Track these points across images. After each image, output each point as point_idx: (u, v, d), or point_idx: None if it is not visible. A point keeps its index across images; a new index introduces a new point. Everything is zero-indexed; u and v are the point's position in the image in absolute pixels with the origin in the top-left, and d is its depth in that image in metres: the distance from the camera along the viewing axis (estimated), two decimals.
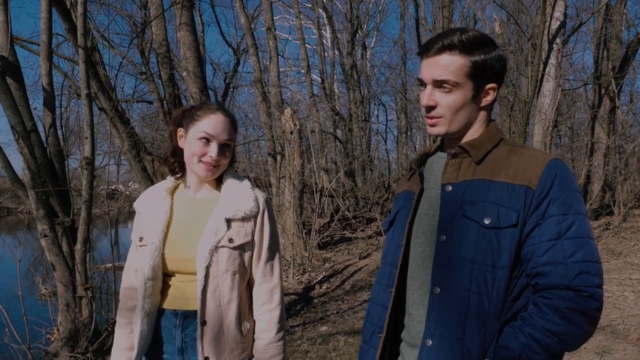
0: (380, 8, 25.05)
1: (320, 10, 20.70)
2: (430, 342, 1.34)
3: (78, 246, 4.29)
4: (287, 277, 8.21)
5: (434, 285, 1.36)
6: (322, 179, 12.02)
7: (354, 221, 12.18)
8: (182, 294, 1.77)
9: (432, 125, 1.43)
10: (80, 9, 4.37)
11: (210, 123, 1.78)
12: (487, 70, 1.38)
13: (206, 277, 1.73)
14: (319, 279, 8.15)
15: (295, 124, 9.16)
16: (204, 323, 1.73)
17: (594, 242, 1.28)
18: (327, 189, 11.01)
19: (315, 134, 14.05)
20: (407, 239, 1.48)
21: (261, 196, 1.87)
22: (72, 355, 4.22)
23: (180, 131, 1.86)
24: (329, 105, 17.25)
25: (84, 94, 4.36)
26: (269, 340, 1.81)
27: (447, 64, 1.36)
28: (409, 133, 22.51)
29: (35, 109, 4.65)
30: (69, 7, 6.07)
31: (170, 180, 1.92)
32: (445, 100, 1.39)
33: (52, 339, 4.36)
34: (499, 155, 1.39)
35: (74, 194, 4.77)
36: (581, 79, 16.64)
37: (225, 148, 1.82)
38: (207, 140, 1.78)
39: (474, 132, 1.44)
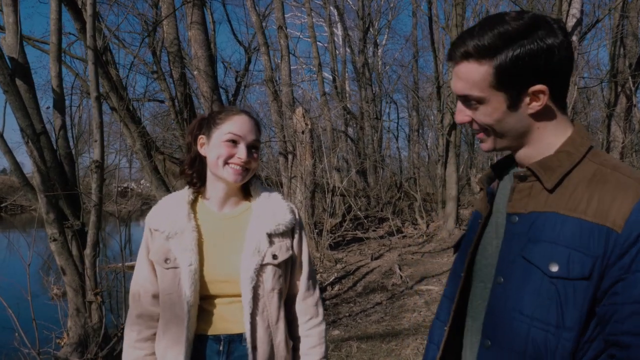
0: (391, 5, 24.95)
1: (331, 8, 20.62)
2: None
3: (87, 250, 4.24)
4: None
5: (485, 336, 1.12)
6: (334, 178, 11.94)
7: (365, 221, 12.09)
8: (223, 318, 1.62)
9: (481, 141, 1.17)
10: (90, 10, 4.31)
11: (236, 124, 1.65)
12: (522, 72, 1.03)
13: (253, 298, 1.59)
14: (331, 280, 8.07)
15: (306, 124, 9.09)
16: (254, 348, 1.59)
17: None
18: (338, 188, 10.93)
19: (326, 132, 13.97)
20: (469, 269, 1.23)
21: (294, 207, 1.78)
22: None
23: (202, 138, 1.71)
24: (341, 104, 17.17)
25: (93, 96, 4.30)
26: (321, 355, 1.71)
27: (466, 76, 1.08)
28: (420, 131, 22.40)
29: (48, 108, 4.60)
30: (80, 7, 6.03)
31: (186, 192, 1.74)
32: (476, 117, 1.12)
33: (62, 343, 4.32)
34: (580, 178, 1.06)
35: (83, 196, 4.73)
36: (597, 76, 16.40)
37: (253, 150, 1.68)
38: (234, 141, 1.64)
39: (544, 143, 1.11)
